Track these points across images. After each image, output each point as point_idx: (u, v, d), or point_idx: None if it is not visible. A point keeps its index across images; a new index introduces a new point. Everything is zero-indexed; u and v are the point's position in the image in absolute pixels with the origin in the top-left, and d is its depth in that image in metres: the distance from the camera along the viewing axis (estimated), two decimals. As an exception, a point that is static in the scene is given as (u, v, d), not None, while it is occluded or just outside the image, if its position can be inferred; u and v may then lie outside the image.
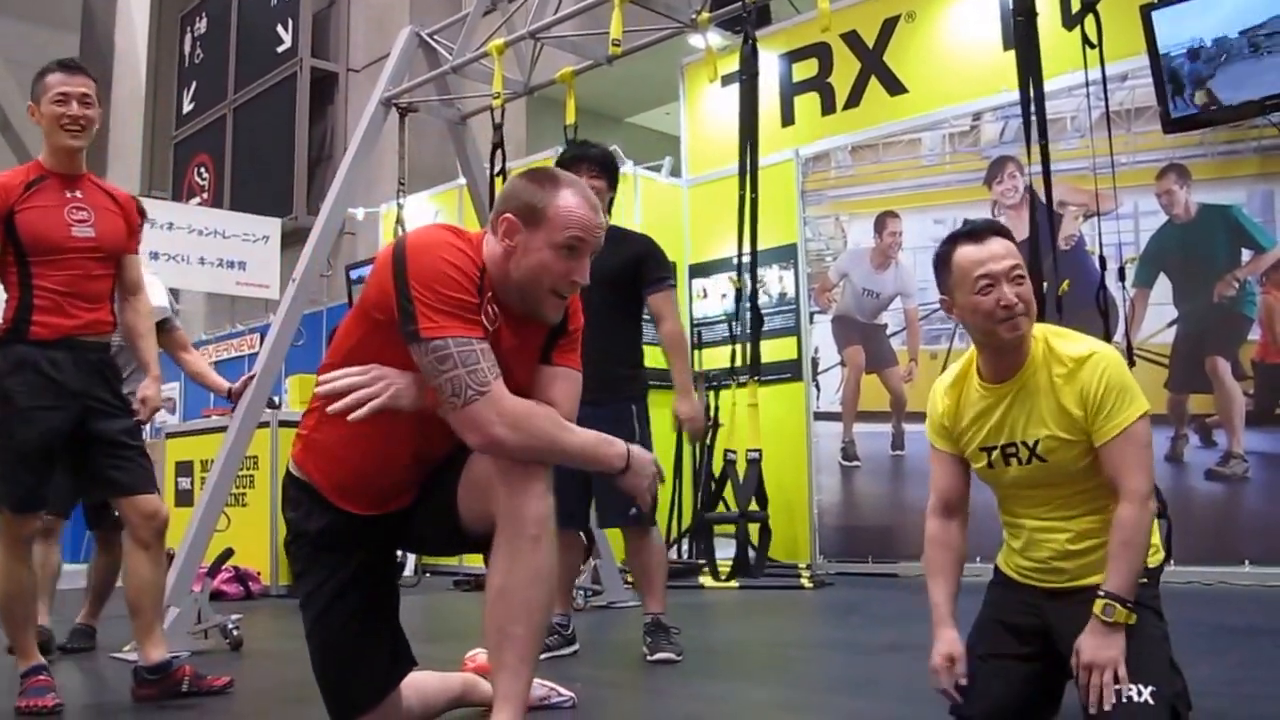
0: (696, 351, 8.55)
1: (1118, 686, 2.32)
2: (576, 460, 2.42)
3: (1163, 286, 6.29)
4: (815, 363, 8.01)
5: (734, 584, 6.95)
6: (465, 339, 2.27)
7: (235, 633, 4.51)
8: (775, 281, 8.25)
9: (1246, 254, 6.04)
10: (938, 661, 2.53)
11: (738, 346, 4.28)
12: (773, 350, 8.13)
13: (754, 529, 6.27)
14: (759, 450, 3.80)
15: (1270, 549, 5.78)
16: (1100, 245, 6.06)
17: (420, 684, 2.78)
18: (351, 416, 2.33)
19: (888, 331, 7.65)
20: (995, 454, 2.57)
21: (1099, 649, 2.37)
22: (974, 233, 2.53)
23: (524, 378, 2.47)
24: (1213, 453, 6.07)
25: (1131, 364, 5.42)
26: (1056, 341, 2.52)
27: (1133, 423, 2.41)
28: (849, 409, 7.80)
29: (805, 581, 6.80)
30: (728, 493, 4.09)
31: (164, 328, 4.49)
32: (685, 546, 7.76)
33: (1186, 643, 2.65)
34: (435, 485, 2.45)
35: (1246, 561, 5.76)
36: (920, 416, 7.29)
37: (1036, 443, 2.49)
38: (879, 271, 7.69)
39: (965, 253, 2.50)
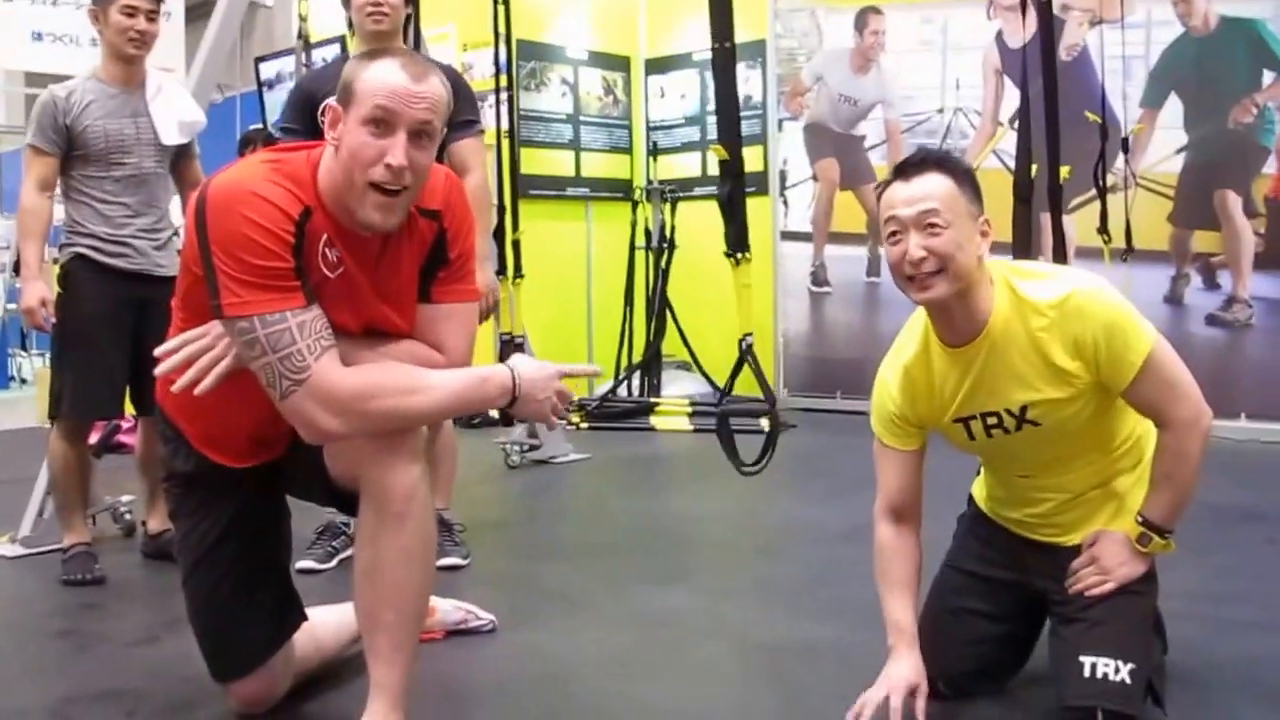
0: (652, 159, 8.34)
1: (1094, 659, 2.27)
2: (446, 416, 2.28)
3: (1173, 108, 6.14)
4: (783, 176, 7.84)
5: (689, 426, 6.97)
6: (277, 315, 2.09)
7: (127, 517, 4.44)
8: (740, 82, 7.92)
9: (1269, 76, 5.86)
10: (901, 687, 2.31)
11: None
12: (734, 161, 7.93)
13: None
14: (751, 334, 3.65)
15: (1269, 402, 5.84)
16: (1104, 59, 5.86)
17: (317, 629, 2.71)
18: (198, 390, 2.21)
19: (866, 144, 7.48)
20: (975, 424, 2.40)
21: (1118, 560, 2.35)
22: (907, 167, 2.30)
23: (401, 318, 2.32)
24: (1215, 296, 6.05)
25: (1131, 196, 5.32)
26: (1024, 285, 2.31)
27: (1149, 354, 2.24)
28: (820, 229, 7.68)
29: (766, 426, 6.76)
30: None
31: (184, 154, 4.16)
32: (636, 382, 7.68)
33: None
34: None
35: (1243, 415, 5.79)
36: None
37: (1024, 409, 2.33)
38: (858, 75, 7.45)
39: (888, 192, 2.30)
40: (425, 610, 2.37)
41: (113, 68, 3.96)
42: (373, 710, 2.22)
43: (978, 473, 2.71)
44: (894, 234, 2.26)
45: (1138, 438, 2.45)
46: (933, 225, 2.23)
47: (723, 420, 3.75)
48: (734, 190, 3.58)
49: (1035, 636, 2.58)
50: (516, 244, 5.11)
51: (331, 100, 2.20)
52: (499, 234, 5.26)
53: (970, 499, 2.73)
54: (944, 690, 2.49)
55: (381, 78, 2.14)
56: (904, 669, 2.36)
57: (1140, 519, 2.35)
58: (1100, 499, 2.43)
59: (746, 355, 3.56)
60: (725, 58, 3.55)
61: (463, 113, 3.78)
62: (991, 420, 2.38)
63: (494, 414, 6.81)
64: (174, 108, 4.04)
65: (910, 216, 2.24)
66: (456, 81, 3.87)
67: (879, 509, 2.50)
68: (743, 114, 7.73)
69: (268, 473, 2.46)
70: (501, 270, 5.16)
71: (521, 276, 5.13)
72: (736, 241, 3.62)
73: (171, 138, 4.01)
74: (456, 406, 2.30)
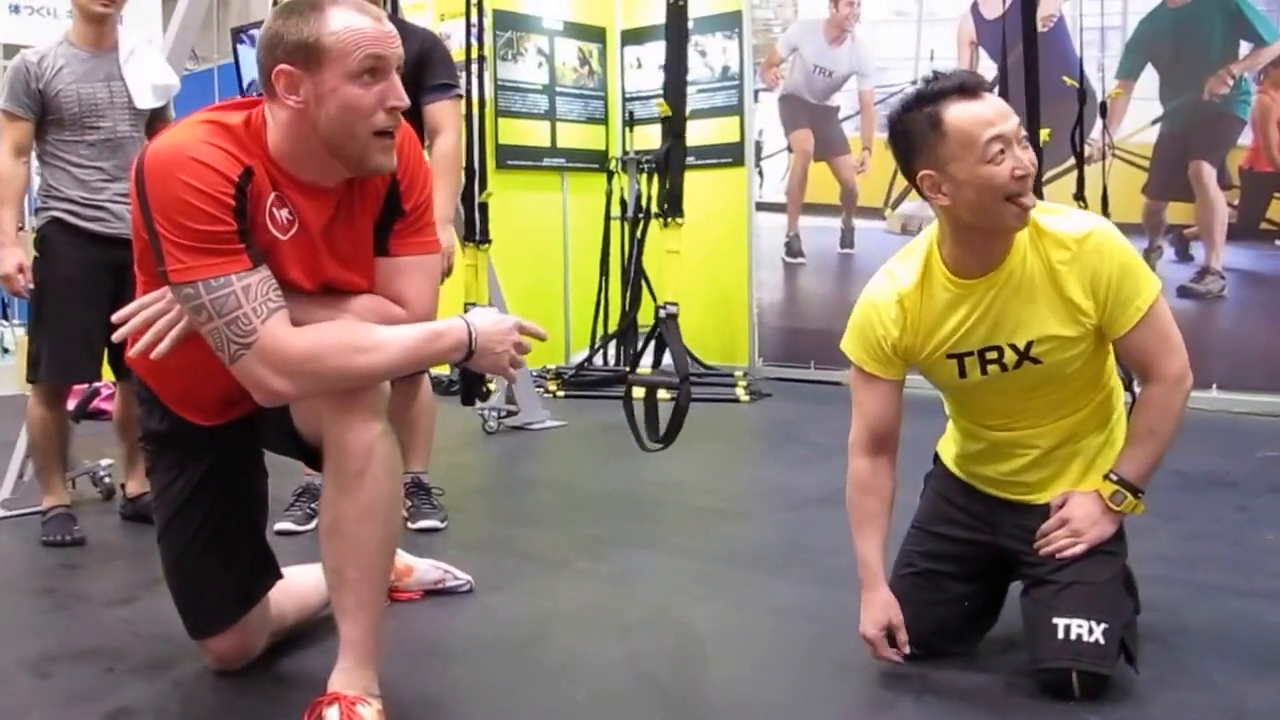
0: (629, 130, 8.30)
1: (1067, 620, 2.28)
2: (401, 373, 2.25)
3: (1148, 79, 6.11)
4: (759, 146, 7.83)
5: (664, 395, 6.95)
6: (220, 280, 2.06)
7: (106, 480, 4.42)
8: (717, 53, 7.97)
9: (1245, 47, 5.83)
10: (873, 632, 2.40)
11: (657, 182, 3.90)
12: (713, 132, 7.97)
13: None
14: (675, 304, 3.56)
15: (1239, 373, 5.83)
16: (1082, 31, 5.86)
17: (293, 588, 2.69)
18: (155, 354, 2.20)
19: (840, 115, 7.44)
20: (970, 360, 2.36)
21: (1089, 521, 2.36)
22: (966, 87, 2.21)
23: (359, 272, 2.29)
24: (1189, 267, 6.04)
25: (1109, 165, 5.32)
26: (1046, 219, 2.28)
27: (1153, 303, 2.27)
28: (795, 200, 7.67)
29: (741, 394, 6.78)
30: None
31: (159, 118, 4.07)
32: (612, 351, 7.66)
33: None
34: None
35: (1214, 386, 5.80)
36: (872, 212, 7.16)
37: (1030, 345, 2.30)
38: (833, 46, 7.41)
39: (964, 111, 2.18)
40: (390, 567, 2.34)
41: (84, 29, 3.91)
42: (341, 666, 2.22)
43: (944, 432, 2.70)
44: (1000, 152, 2.17)
45: (1109, 392, 2.46)
46: (1024, 138, 2.22)
47: (629, 390, 3.68)
48: (672, 150, 3.54)
49: (1004, 590, 2.59)
50: (484, 207, 5.00)
51: (283, 65, 2.11)
52: (468, 198, 5.13)
53: (936, 458, 2.72)
54: (915, 650, 2.50)
55: (357, 29, 2.10)
56: (874, 613, 2.40)
57: (1115, 477, 2.35)
58: (1068, 457, 2.43)
59: (660, 325, 3.51)
60: (677, 16, 3.51)
61: (439, 75, 3.76)
62: (991, 355, 2.34)
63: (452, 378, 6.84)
64: (147, 71, 3.98)
65: (1012, 130, 2.19)
66: (435, 46, 3.85)
67: (855, 441, 2.47)
68: (719, 85, 7.87)
69: (242, 431, 2.45)
70: (472, 235, 5.05)
71: (489, 242, 5.02)
72: (671, 204, 3.56)
73: (145, 101, 3.96)
74: (410, 363, 2.25)
